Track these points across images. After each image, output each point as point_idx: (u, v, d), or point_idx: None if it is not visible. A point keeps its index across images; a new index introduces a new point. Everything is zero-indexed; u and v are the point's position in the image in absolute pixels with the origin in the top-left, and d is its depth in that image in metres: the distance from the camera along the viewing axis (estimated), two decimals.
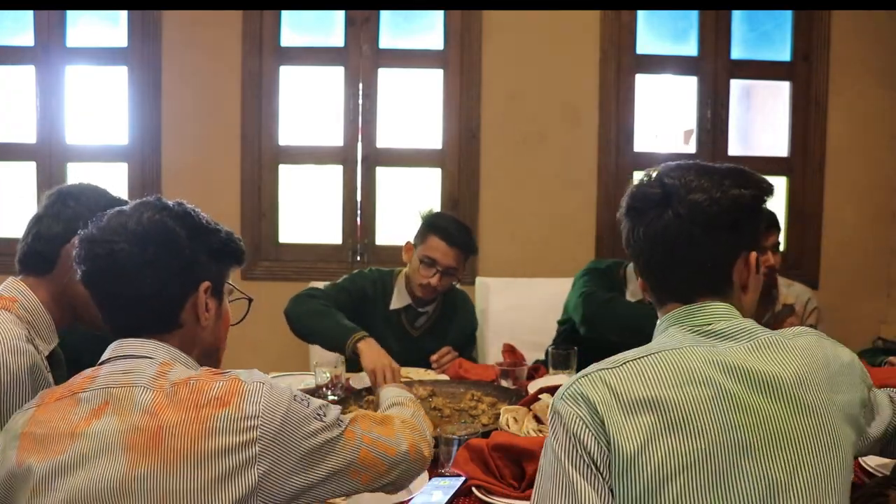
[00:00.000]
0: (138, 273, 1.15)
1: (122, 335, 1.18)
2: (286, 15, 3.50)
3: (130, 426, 1.06)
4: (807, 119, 3.56)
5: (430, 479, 1.56)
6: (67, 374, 1.57)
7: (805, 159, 3.56)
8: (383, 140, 3.55)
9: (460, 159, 3.50)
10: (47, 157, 3.49)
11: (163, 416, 1.06)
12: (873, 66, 3.51)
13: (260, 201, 3.49)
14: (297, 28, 3.53)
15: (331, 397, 2.18)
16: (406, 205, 3.53)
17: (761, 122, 3.86)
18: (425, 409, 1.53)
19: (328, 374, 2.21)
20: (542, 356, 2.67)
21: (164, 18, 3.42)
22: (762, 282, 1.22)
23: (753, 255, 1.17)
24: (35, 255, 1.47)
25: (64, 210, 1.47)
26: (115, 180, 3.44)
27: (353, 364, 2.28)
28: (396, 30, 3.54)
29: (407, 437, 1.29)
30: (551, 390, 1.89)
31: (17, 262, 1.49)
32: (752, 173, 1.18)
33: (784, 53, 3.59)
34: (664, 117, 3.74)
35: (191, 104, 3.45)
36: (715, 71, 3.55)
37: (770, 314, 2.63)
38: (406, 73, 3.57)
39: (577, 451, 1.04)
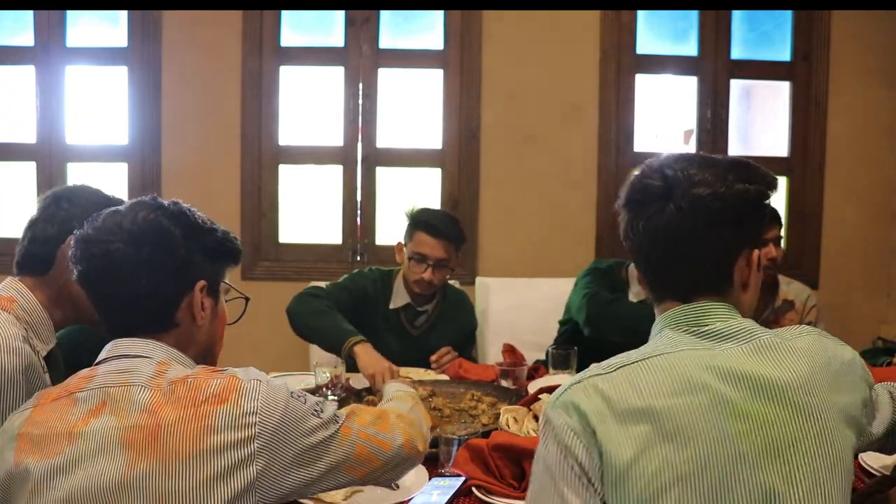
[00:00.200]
0: (134, 273, 1.15)
1: (118, 335, 1.18)
2: (286, 15, 3.50)
3: (128, 425, 1.06)
4: (807, 119, 3.56)
5: (430, 479, 1.56)
6: (65, 373, 1.57)
7: (805, 159, 3.56)
8: (383, 140, 3.55)
9: (460, 159, 3.50)
10: (47, 157, 3.49)
11: (161, 414, 1.06)
12: (873, 66, 3.51)
13: (260, 201, 3.49)
14: (297, 28, 3.53)
15: (331, 397, 2.18)
16: (406, 205, 3.53)
17: (761, 122, 3.86)
18: (425, 409, 1.53)
19: (328, 374, 2.21)
20: (542, 356, 2.67)
21: (164, 18, 3.42)
22: (762, 279, 1.20)
23: (756, 252, 1.14)
24: (31, 258, 1.48)
25: (58, 212, 1.48)
26: (115, 180, 3.44)
27: (353, 364, 2.28)
28: (396, 30, 3.54)
29: (402, 431, 1.29)
30: (551, 390, 1.89)
31: (14, 265, 1.50)
32: (757, 167, 1.14)
33: (784, 53, 3.59)
34: (664, 117, 3.74)
35: (191, 104, 3.45)
36: (715, 71, 3.55)
37: (770, 309, 2.63)
38: (406, 73, 3.57)
39: (567, 464, 1.02)
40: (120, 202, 1.36)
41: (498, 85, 3.46)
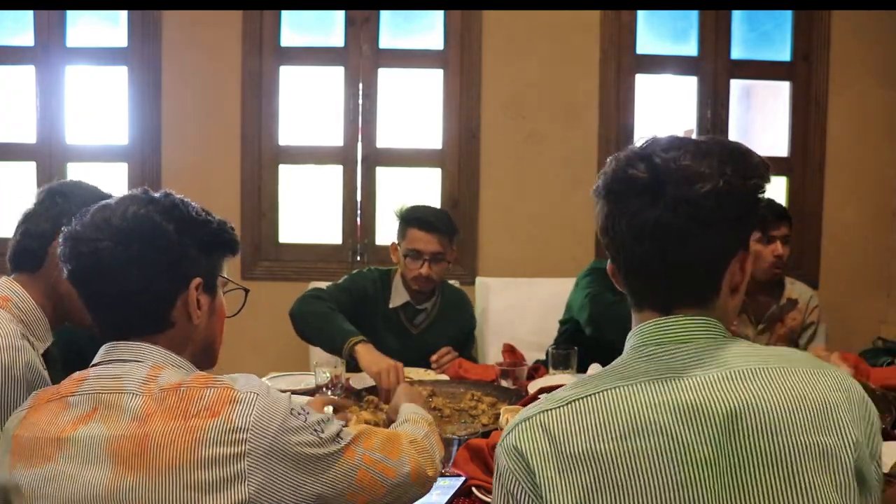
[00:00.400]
0: (124, 272, 1.10)
1: (110, 336, 1.14)
2: (286, 15, 3.50)
3: (117, 434, 1.03)
4: (807, 119, 3.55)
5: None
6: (63, 372, 1.57)
7: (805, 159, 3.56)
8: (383, 140, 3.55)
9: (460, 159, 3.50)
10: (47, 157, 3.49)
11: (150, 424, 1.03)
12: (873, 66, 3.51)
13: (260, 201, 3.49)
14: (297, 28, 3.53)
15: (332, 399, 2.18)
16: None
17: (761, 122, 3.86)
18: (439, 436, 1.48)
19: (328, 374, 2.21)
20: (542, 356, 2.67)
21: (164, 18, 3.42)
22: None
23: (749, 256, 1.01)
24: (24, 252, 1.47)
25: (52, 207, 1.47)
26: (115, 180, 3.44)
27: (354, 364, 2.28)
28: (396, 30, 3.54)
29: (412, 458, 1.24)
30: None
31: (7, 259, 1.49)
32: (752, 155, 0.99)
33: (784, 53, 3.59)
34: (664, 117, 3.73)
35: (191, 104, 3.45)
36: (715, 71, 3.55)
37: (775, 306, 2.63)
38: (406, 73, 3.57)
39: None
40: None
41: (498, 85, 3.46)
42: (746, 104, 3.80)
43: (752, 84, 3.75)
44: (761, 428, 0.89)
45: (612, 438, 0.90)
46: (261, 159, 3.49)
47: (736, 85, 3.61)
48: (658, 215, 0.95)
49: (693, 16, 3.55)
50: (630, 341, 1.01)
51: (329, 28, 3.53)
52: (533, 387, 2.17)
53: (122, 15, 3.46)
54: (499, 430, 1.76)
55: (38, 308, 1.45)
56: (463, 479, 1.52)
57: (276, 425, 1.05)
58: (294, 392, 2.20)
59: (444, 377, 2.40)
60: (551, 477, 0.91)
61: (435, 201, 3.52)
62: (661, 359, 0.96)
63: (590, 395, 0.94)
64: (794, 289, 2.76)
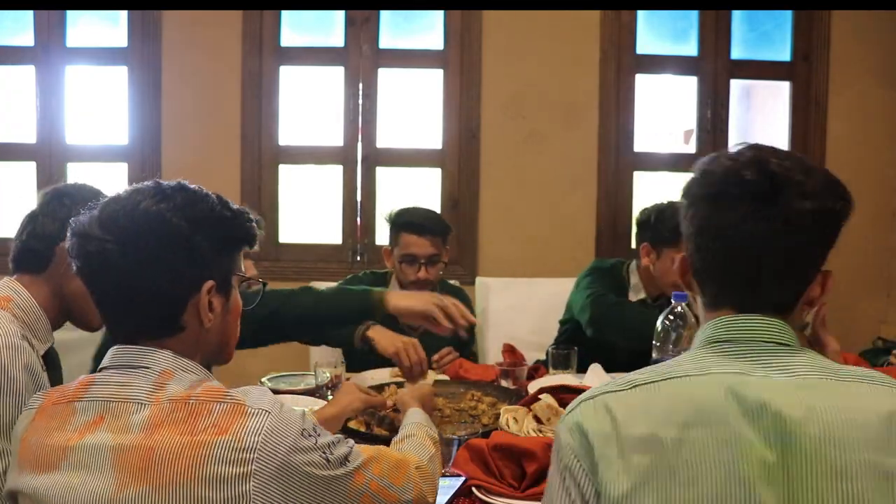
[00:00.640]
0: (132, 274, 1.06)
1: (119, 337, 1.11)
2: (286, 15, 3.50)
3: (122, 444, 1.01)
4: (807, 119, 3.55)
5: None
6: (64, 373, 1.57)
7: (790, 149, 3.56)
8: (383, 140, 3.55)
9: (460, 159, 3.50)
10: (47, 157, 3.49)
11: (156, 436, 1.00)
12: (873, 66, 3.51)
13: (260, 201, 3.49)
14: (297, 28, 3.53)
15: (330, 398, 2.17)
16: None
17: (761, 122, 3.86)
18: (440, 454, 1.48)
19: (328, 375, 2.20)
20: (542, 356, 2.67)
21: (164, 18, 3.42)
22: None
23: (831, 275, 1.03)
24: (29, 253, 1.46)
25: (60, 209, 1.46)
26: (115, 180, 3.44)
27: (356, 364, 2.28)
28: (396, 30, 3.54)
29: (416, 486, 1.23)
30: (551, 390, 1.89)
31: (10, 260, 1.48)
32: (839, 180, 1.02)
33: (784, 53, 3.59)
34: (664, 117, 3.74)
35: (191, 104, 3.45)
36: (715, 71, 3.55)
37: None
38: (406, 73, 3.57)
39: (564, 486, 0.96)
40: None
41: (498, 85, 3.46)
42: (746, 104, 3.80)
43: (752, 84, 3.75)
44: (823, 439, 0.89)
45: (675, 425, 0.91)
46: (261, 159, 3.49)
47: (736, 85, 3.61)
48: (770, 226, 0.96)
49: (693, 16, 3.56)
50: (703, 334, 1.02)
51: (329, 28, 3.53)
52: (533, 387, 2.17)
53: (122, 15, 3.46)
54: (499, 430, 1.76)
55: (39, 308, 1.44)
56: (463, 479, 1.51)
57: (285, 446, 1.02)
58: (294, 392, 2.21)
59: (445, 377, 2.40)
60: (610, 456, 0.92)
61: (435, 201, 3.52)
62: (733, 354, 0.97)
63: (657, 381, 0.96)
64: None
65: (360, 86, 3.51)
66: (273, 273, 3.48)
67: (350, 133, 3.53)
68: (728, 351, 0.98)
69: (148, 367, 1.07)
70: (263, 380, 2.36)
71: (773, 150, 1.01)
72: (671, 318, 1.88)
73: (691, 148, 3.67)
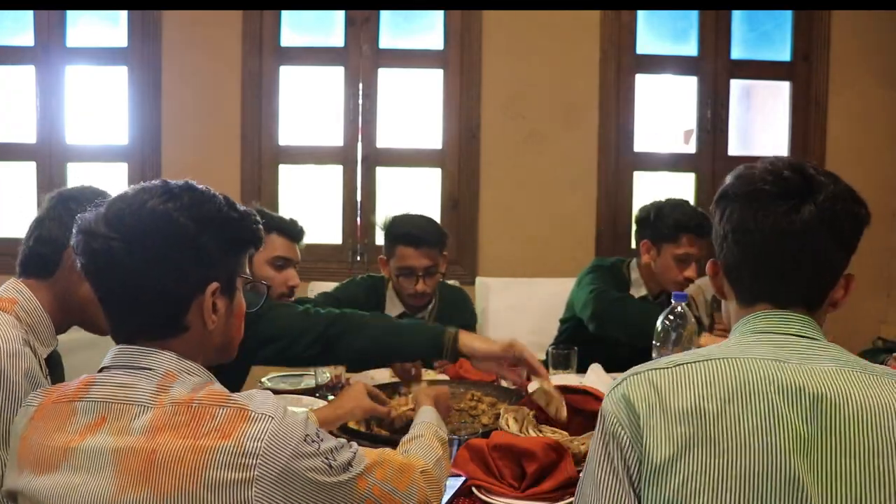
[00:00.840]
0: (137, 273, 1.05)
1: (121, 336, 1.10)
2: (286, 15, 3.50)
3: (124, 447, 1.00)
4: (807, 119, 3.56)
5: None
6: (66, 376, 1.56)
7: (805, 159, 3.55)
8: (383, 140, 3.55)
9: (460, 159, 3.50)
10: (47, 157, 3.49)
11: (158, 440, 0.99)
12: (873, 66, 3.52)
13: (260, 201, 3.46)
14: (297, 28, 3.53)
15: (331, 398, 2.17)
16: (406, 205, 3.53)
17: (761, 122, 3.86)
18: (447, 457, 1.47)
19: (328, 375, 2.20)
20: (542, 356, 2.66)
21: (164, 18, 3.42)
22: None
23: (854, 280, 1.11)
24: (36, 258, 1.45)
25: (65, 213, 1.45)
26: (115, 180, 3.44)
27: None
28: (396, 30, 3.54)
29: (420, 491, 1.22)
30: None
31: (18, 265, 1.47)
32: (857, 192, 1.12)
33: (784, 53, 3.59)
34: (664, 117, 3.74)
35: (191, 104, 3.45)
36: (715, 71, 3.55)
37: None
38: (406, 73, 3.57)
39: (607, 452, 1.02)
40: None
41: (498, 85, 3.46)
42: (746, 104, 3.80)
43: (752, 84, 3.75)
44: (854, 418, 0.95)
45: (715, 399, 0.98)
46: (261, 159, 3.49)
47: (736, 85, 3.61)
48: (805, 220, 1.05)
49: (693, 16, 3.56)
50: (742, 327, 1.10)
51: (329, 28, 3.53)
52: (533, 387, 2.17)
53: (122, 15, 3.46)
54: (499, 430, 1.76)
55: (43, 311, 1.43)
56: (463, 479, 1.51)
57: (288, 452, 1.01)
58: (294, 392, 2.21)
59: (444, 377, 2.40)
60: (654, 425, 0.99)
61: (435, 201, 3.52)
62: (770, 344, 1.04)
63: (699, 362, 1.02)
64: None
65: (360, 86, 3.52)
66: None
67: (350, 133, 3.54)
68: (765, 340, 1.05)
69: (151, 369, 1.06)
70: (264, 380, 2.36)
71: (803, 161, 1.10)
72: (671, 318, 1.89)
73: (691, 148, 3.67)
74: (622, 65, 3.50)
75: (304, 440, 1.04)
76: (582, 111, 3.48)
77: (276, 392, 2.14)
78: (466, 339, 1.88)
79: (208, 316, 1.10)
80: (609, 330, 2.46)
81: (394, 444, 1.45)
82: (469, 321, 2.83)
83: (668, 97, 3.70)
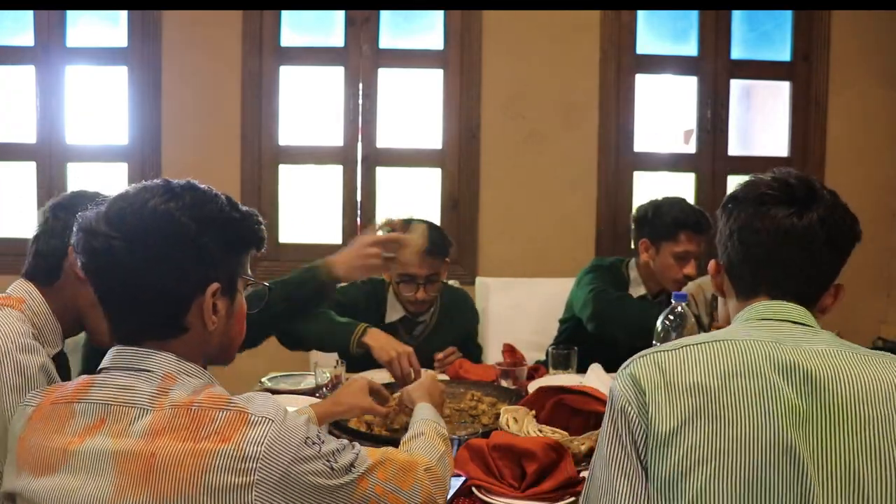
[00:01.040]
0: (137, 273, 1.04)
1: (121, 337, 1.09)
2: (286, 15, 3.50)
3: (123, 450, 0.99)
4: (807, 119, 3.56)
5: None
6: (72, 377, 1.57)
7: (805, 159, 3.56)
8: (383, 140, 3.55)
9: (460, 159, 3.50)
10: (47, 157, 3.49)
11: (158, 443, 0.98)
12: (873, 66, 3.51)
13: (260, 201, 3.49)
14: (297, 28, 3.53)
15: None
16: (406, 205, 3.53)
17: (761, 122, 3.86)
18: (451, 455, 1.47)
19: (328, 374, 2.20)
20: (542, 356, 2.67)
21: (164, 18, 3.42)
22: None
23: (842, 289, 1.20)
24: (39, 269, 1.48)
25: (56, 224, 1.47)
26: (115, 180, 3.44)
27: (355, 364, 2.27)
28: (396, 30, 3.54)
29: (424, 489, 1.21)
30: (551, 390, 1.89)
31: (22, 275, 1.49)
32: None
33: (784, 53, 3.59)
34: (664, 117, 3.74)
35: (191, 104, 3.45)
36: (715, 71, 3.55)
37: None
38: (406, 73, 3.57)
39: (615, 427, 1.08)
40: None
41: (498, 85, 3.46)
42: (746, 104, 3.80)
43: (752, 84, 3.75)
44: (846, 394, 1.02)
45: (716, 375, 1.05)
46: (261, 159, 3.49)
47: (736, 85, 3.61)
48: (806, 225, 1.14)
49: (693, 16, 3.56)
50: (742, 315, 1.18)
51: (329, 28, 3.53)
52: (533, 387, 2.17)
53: (122, 15, 3.46)
54: (499, 430, 1.76)
55: (50, 313, 1.46)
56: (463, 479, 1.51)
57: (288, 455, 1.01)
58: (294, 392, 2.21)
59: (445, 377, 2.39)
60: (659, 399, 1.06)
61: (435, 201, 3.52)
62: (768, 329, 1.12)
63: (703, 343, 1.10)
64: None
65: (360, 86, 3.52)
66: (273, 273, 3.47)
67: (350, 133, 3.54)
68: (763, 326, 1.13)
69: (150, 371, 1.06)
70: (263, 380, 2.35)
71: (804, 174, 1.20)
72: (671, 317, 1.89)
73: (691, 148, 3.67)
74: (622, 65, 3.50)
75: (305, 443, 1.04)
76: (582, 111, 3.48)
77: (275, 392, 2.15)
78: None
79: (208, 317, 1.09)
80: (608, 329, 2.46)
81: (395, 444, 1.44)
82: (471, 322, 2.84)
83: (668, 97, 3.70)
